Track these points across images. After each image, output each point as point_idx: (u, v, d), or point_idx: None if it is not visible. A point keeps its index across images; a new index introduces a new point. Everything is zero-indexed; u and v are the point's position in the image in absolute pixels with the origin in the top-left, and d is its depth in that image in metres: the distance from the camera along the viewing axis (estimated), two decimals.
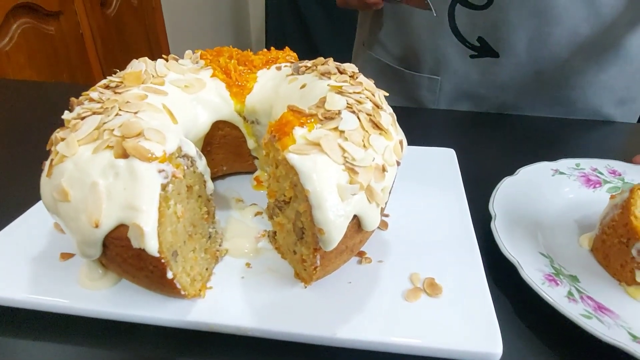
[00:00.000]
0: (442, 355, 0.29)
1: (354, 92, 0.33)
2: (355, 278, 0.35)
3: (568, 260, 0.40)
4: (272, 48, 0.44)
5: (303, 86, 0.37)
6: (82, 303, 0.32)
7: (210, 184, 0.35)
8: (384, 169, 0.30)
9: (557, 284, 0.36)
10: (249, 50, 0.44)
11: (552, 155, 0.52)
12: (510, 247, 0.38)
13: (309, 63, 0.40)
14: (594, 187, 0.49)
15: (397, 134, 0.34)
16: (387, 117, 0.33)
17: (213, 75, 0.40)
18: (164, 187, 0.28)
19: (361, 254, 0.37)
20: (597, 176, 0.51)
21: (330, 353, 0.31)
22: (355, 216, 0.30)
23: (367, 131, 0.31)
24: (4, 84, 0.85)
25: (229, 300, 0.33)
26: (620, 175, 0.50)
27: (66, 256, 0.36)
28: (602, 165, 0.52)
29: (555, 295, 0.34)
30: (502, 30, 0.61)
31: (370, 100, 0.34)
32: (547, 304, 0.33)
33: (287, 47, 0.44)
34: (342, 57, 0.52)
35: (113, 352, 0.32)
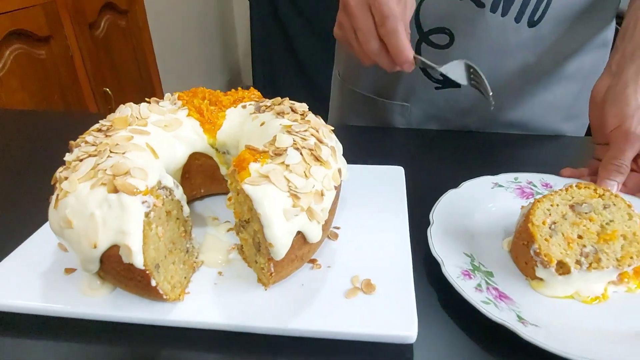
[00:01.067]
0: (369, 339, 0.37)
1: (301, 131, 0.41)
2: (306, 281, 0.43)
3: (489, 260, 0.48)
4: (240, 88, 0.52)
5: (262, 124, 0.46)
6: (84, 308, 0.40)
7: (186, 208, 0.43)
8: (322, 194, 0.39)
9: (470, 278, 0.44)
10: (218, 90, 0.52)
11: (496, 169, 0.59)
12: (439, 248, 0.46)
13: (268, 102, 0.48)
14: (527, 198, 0.57)
15: (337, 163, 0.42)
16: (327, 150, 0.41)
17: (189, 115, 0.48)
18: (146, 215, 0.36)
19: (313, 261, 0.45)
20: (531, 188, 0.58)
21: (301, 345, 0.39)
22: (299, 232, 0.38)
23: (308, 164, 0.39)
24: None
25: (203, 302, 0.41)
26: (551, 187, 0.58)
27: (69, 271, 0.44)
28: (537, 178, 0.58)
29: (465, 286, 0.42)
30: None
31: (314, 137, 0.42)
32: (462, 297, 0.41)
33: (252, 87, 0.52)
34: (324, 67, 0.61)
35: (110, 347, 0.39)
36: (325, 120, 0.49)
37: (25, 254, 0.45)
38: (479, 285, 0.43)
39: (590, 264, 0.42)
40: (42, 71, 1.51)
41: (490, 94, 0.52)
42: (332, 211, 0.44)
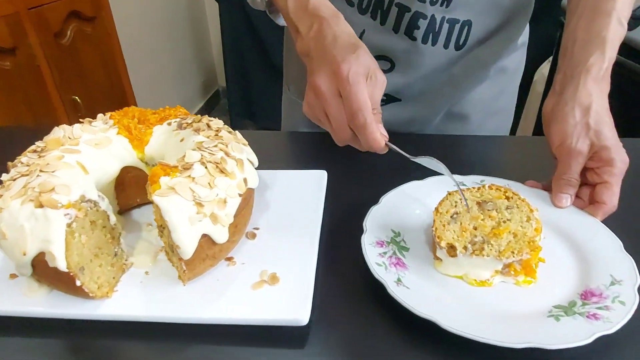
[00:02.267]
0: (266, 323, 0.44)
1: (210, 147, 0.48)
2: (222, 277, 0.49)
3: (415, 241, 0.54)
4: (167, 107, 0.58)
5: (182, 140, 0.52)
6: (26, 307, 0.46)
7: (112, 217, 0.49)
8: (225, 201, 0.45)
9: (382, 247, 0.51)
10: (149, 109, 0.58)
11: (464, 170, 0.64)
12: (370, 220, 0.54)
13: (189, 120, 0.54)
14: None
15: (243, 173, 0.49)
16: (233, 162, 0.48)
17: (118, 133, 0.54)
18: (69, 225, 0.42)
19: (229, 259, 0.51)
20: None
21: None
22: (205, 234, 0.44)
23: (213, 175, 0.45)
24: None
25: (129, 298, 0.47)
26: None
27: (14, 276, 0.50)
28: (503, 183, 0.60)
29: (371, 250, 0.50)
30: (402, 87, 0.78)
31: (222, 151, 0.48)
32: (370, 288, 0.48)
33: (178, 106, 0.58)
34: None
35: (50, 341, 0.46)
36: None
37: None
38: (385, 253, 0.51)
39: (474, 251, 0.49)
40: (8, 82, 1.54)
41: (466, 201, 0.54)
42: (244, 214, 0.51)
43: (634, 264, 0.48)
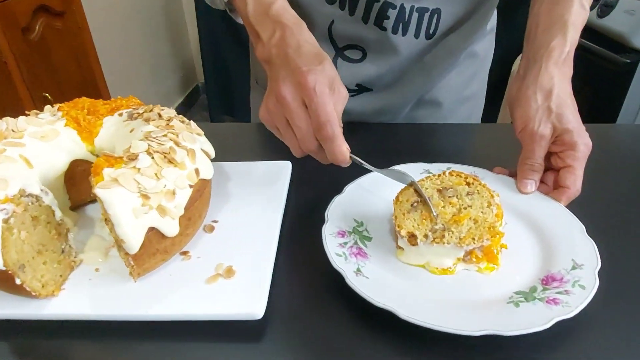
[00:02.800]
0: (220, 318, 0.42)
1: (159, 136, 0.46)
2: (175, 271, 0.47)
3: (378, 231, 0.53)
4: (119, 97, 0.55)
5: (132, 130, 0.50)
6: None
7: (58, 212, 0.47)
8: (174, 192, 0.43)
9: (342, 237, 0.50)
10: (100, 99, 0.55)
11: (432, 158, 0.64)
12: (332, 210, 0.52)
13: (140, 110, 0.52)
14: None
15: (194, 164, 0.47)
16: (183, 152, 0.46)
17: (66, 125, 0.52)
18: (5, 221, 0.40)
19: (185, 253, 0.49)
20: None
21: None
22: (153, 228, 0.42)
23: (160, 166, 0.43)
24: None
25: (76, 296, 0.45)
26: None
27: None
28: (469, 170, 0.60)
29: (331, 240, 0.48)
30: (374, 77, 0.77)
31: (172, 141, 0.46)
32: (330, 279, 0.46)
33: (131, 96, 0.56)
34: None
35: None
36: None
37: None
38: (346, 243, 0.49)
39: (434, 239, 0.48)
40: None
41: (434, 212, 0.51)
42: (198, 206, 0.49)
43: (595, 248, 0.47)
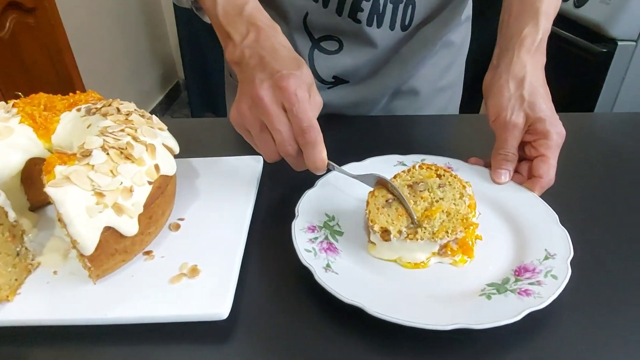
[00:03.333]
0: (182, 319, 0.41)
1: (115, 131, 0.44)
2: (137, 272, 0.45)
3: (350, 225, 0.52)
4: (78, 92, 0.53)
5: (89, 126, 0.47)
6: None
7: (11, 214, 0.44)
8: (131, 190, 0.41)
9: (313, 232, 0.49)
10: (59, 95, 0.53)
11: (404, 150, 0.62)
12: (303, 208, 0.51)
13: (99, 105, 0.50)
14: None
15: (154, 159, 0.45)
16: (142, 148, 0.44)
17: (21, 122, 0.49)
18: None
19: (148, 253, 0.47)
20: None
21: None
22: (110, 227, 0.40)
23: (116, 162, 0.41)
24: None
25: (33, 301, 0.43)
26: (453, 171, 0.58)
27: None
28: (443, 162, 0.59)
29: (300, 236, 0.47)
30: (350, 68, 0.76)
31: (130, 136, 0.44)
32: (300, 276, 0.45)
33: (90, 90, 0.53)
34: None
35: None
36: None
37: None
38: (316, 238, 0.48)
39: (408, 235, 0.46)
40: None
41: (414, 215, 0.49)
42: (160, 204, 0.47)
43: (568, 237, 0.46)
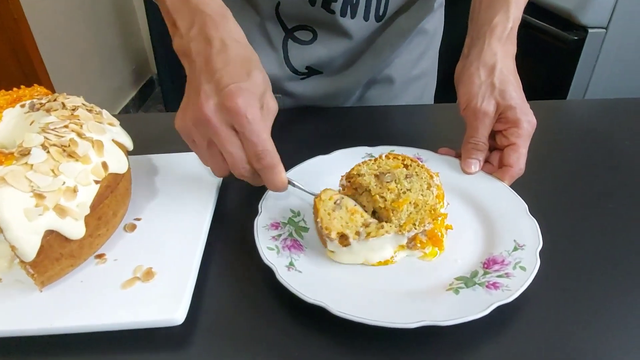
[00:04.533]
0: (134, 326, 0.38)
1: (58, 128, 0.41)
2: (87, 277, 0.43)
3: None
4: (22, 86, 0.50)
5: (32, 122, 0.44)
6: None
7: None
8: (75, 190, 0.38)
9: (276, 229, 0.47)
10: (2, 90, 0.50)
11: (374, 141, 0.60)
12: (267, 204, 0.49)
13: (44, 100, 0.47)
14: None
15: (102, 157, 0.42)
16: (87, 145, 0.41)
17: None
18: None
19: (100, 256, 0.45)
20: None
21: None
22: (52, 230, 0.38)
23: (57, 161, 0.38)
24: None
25: None
26: (422, 162, 0.56)
27: None
28: (413, 152, 0.58)
29: (263, 233, 0.45)
30: (325, 59, 0.74)
31: (74, 132, 0.41)
32: (262, 276, 0.43)
33: (35, 84, 0.50)
34: None
35: None
36: None
37: None
38: (279, 235, 0.46)
39: (368, 233, 0.44)
40: None
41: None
42: (110, 204, 0.44)
43: (538, 227, 0.45)
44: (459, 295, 0.40)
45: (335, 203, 0.47)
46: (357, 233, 0.44)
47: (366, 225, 0.45)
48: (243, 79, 0.43)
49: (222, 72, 0.43)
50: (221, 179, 0.56)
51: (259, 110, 0.43)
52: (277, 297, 0.43)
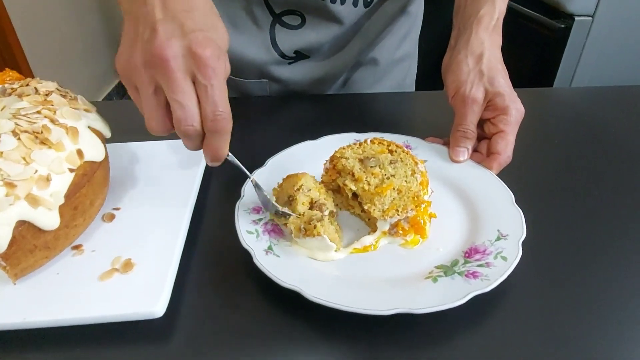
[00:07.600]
0: (113, 319, 0.37)
1: (29, 113, 0.39)
2: (63, 269, 0.41)
3: None
4: None
5: (2, 108, 0.42)
6: None
7: None
8: (48, 179, 0.37)
9: (258, 212, 0.46)
10: None
11: (364, 128, 0.60)
12: (250, 188, 0.48)
13: (16, 85, 0.45)
14: None
15: (77, 144, 0.40)
16: (60, 131, 0.39)
17: None
18: None
19: (77, 247, 0.43)
20: None
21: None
22: (24, 221, 0.36)
23: (29, 148, 0.37)
24: None
25: None
26: (411, 148, 0.57)
27: None
28: (402, 140, 0.58)
29: (244, 217, 0.45)
30: (313, 44, 0.73)
31: (47, 118, 0.39)
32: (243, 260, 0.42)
33: (7, 69, 0.48)
34: None
35: None
36: None
37: None
38: (260, 219, 0.46)
39: (307, 231, 0.43)
40: None
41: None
42: (87, 193, 0.43)
43: (522, 217, 0.45)
44: (437, 283, 0.39)
45: (288, 198, 0.46)
46: (299, 229, 0.43)
47: (309, 221, 0.43)
48: (209, 29, 0.38)
49: (185, 15, 0.37)
50: (204, 166, 0.54)
51: (223, 68, 0.38)
52: (256, 283, 0.42)
